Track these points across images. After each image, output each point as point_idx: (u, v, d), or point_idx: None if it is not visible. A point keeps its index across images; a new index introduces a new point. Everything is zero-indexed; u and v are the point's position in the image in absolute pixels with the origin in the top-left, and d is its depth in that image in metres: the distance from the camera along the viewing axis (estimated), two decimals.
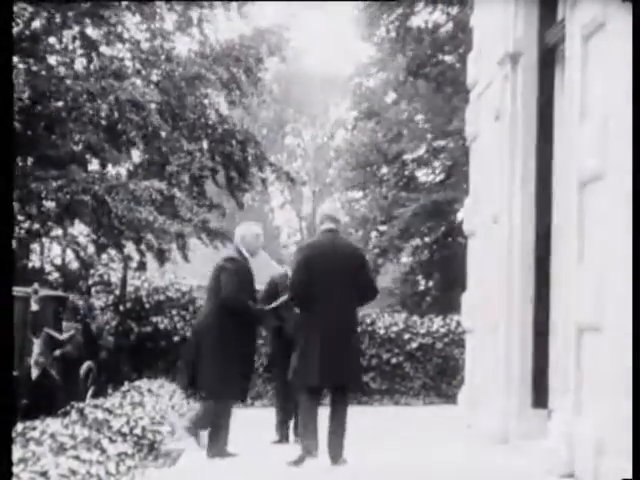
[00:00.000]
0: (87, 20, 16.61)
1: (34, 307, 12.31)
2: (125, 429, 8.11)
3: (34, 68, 16.32)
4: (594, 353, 7.00)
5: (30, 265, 19.25)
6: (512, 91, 9.49)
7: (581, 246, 7.32)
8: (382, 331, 16.36)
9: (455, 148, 24.92)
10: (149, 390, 12.05)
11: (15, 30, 15.69)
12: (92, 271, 16.92)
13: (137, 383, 13.06)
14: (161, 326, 15.60)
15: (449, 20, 24.98)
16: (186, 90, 17.49)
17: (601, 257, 6.93)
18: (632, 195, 6.16)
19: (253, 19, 18.69)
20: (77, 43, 17.23)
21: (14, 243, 16.46)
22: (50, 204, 16.28)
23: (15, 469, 5.54)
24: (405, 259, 28.54)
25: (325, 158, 51.17)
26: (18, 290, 11.95)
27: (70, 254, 19.67)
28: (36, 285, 12.84)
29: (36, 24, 16.57)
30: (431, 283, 27.27)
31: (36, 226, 17.70)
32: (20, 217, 16.62)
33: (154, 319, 15.61)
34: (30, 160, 16.70)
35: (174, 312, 15.73)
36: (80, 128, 16.05)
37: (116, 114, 16.11)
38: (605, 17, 6.96)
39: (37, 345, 12.09)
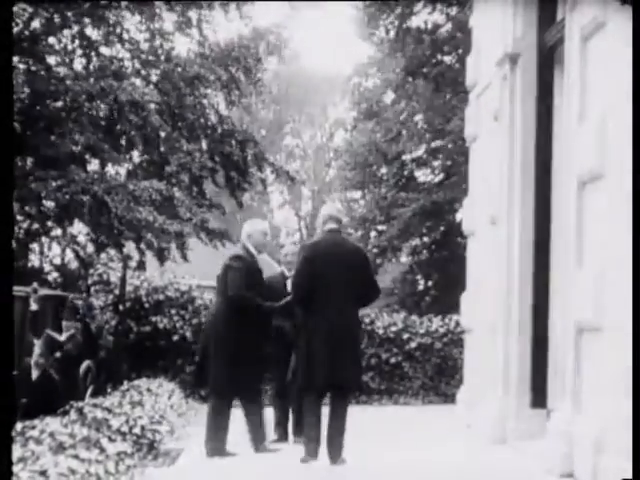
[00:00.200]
0: (86, 20, 16.63)
1: (33, 306, 12.31)
2: (124, 428, 8.11)
3: (33, 68, 16.34)
4: (593, 353, 7.01)
5: (29, 265, 19.26)
6: (511, 91, 9.50)
7: (580, 246, 7.33)
8: (381, 331, 16.36)
9: (454, 148, 24.92)
10: (148, 389, 12.05)
11: (14, 30, 15.70)
12: (91, 271, 16.92)
13: (136, 382, 13.06)
14: (160, 325, 15.60)
15: (448, 20, 24.97)
16: (185, 90, 17.50)
17: (600, 257, 6.94)
18: (632, 195, 6.17)
19: (252, 19, 18.71)
20: (76, 43, 17.24)
21: (14, 243, 16.47)
22: (50, 204, 16.30)
23: (14, 468, 5.55)
24: (404, 259, 28.55)
25: (324, 158, 51.19)
26: (17, 289, 11.96)
27: (69, 254, 19.70)
28: (35, 284, 12.84)
29: (35, 24, 16.57)
30: (430, 283, 27.27)
31: (35, 226, 17.72)
32: (20, 217, 16.63)
33: (153, 318, 15.61)
34: (30, 160, 16.71)
35: (173, 311, 15.72)
36: (79, 128, 16.06)
37: (115, 114, 16.13)
38: (604, 18, 6.97)
39: (37, 346, 12.09)
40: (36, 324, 12.30)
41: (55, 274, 19.75)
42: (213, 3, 18.03)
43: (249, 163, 18.87)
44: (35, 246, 19.67)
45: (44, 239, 19.32)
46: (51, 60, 17.05)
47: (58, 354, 12.55)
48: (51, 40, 17.04)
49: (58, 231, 18.42)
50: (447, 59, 25.36)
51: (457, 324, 15.56)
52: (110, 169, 18.04)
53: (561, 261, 8.08)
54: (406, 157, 27.45)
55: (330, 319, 7.65)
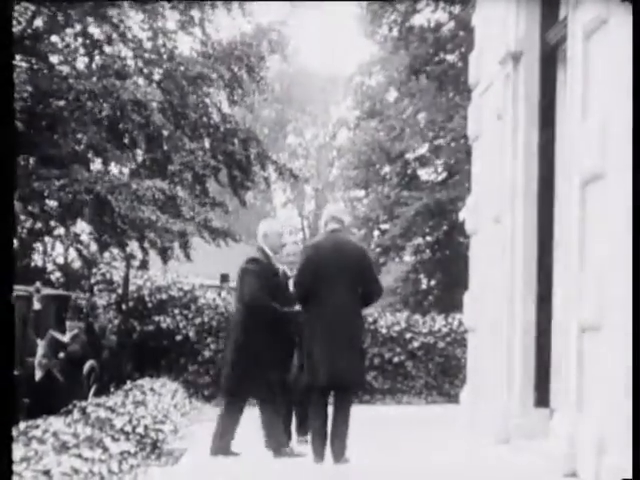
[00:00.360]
0: (89, 19, 16.62)
1: (36, 306, 12.33)
2: (127, 428, 8.11)
3: (36, 67, 16.34)
4: (596, 352, 7.00)
5: (32, 264, 19.27)
6: (514, 90, 9.48)
7: (583, 245, 7.32)
8: (384, 330, 16.37)
9: (457, 147, 24.92)
10: (151, 389, 12.05)
11: (17, 29, 15.70)
12: (94, 270, 16.94)
13: (139, 382, 13.06)
14: (163, 325, 15.61)
15: (451, 19, 24.97)
16: (188, 89, 17.50)
17: (603, 256, 6.93)
18: (632, 195, 6.15)
19: (254, 17, 18.73)
20: (79, 42, 17.23)
21: (16, 242, 16.48)
22: (53, 203, 16.31)
23: (17, 468, 5.55)
24: (407, 258, 28.54)
25: (327, 157, 51.17)
26: (20, 289, 11.97)
27: (72, 253, 19.71)
28: (38, 284, 12.85)
29: (38, 22, 16.57)
30: (433, 282, 27.28)
31: (38, 225, 17.73)
32: (23, 216, 16.64)
33: (156, 318, 15.62)
34: (33, 159, 16.71)
35: (176, 311, 15.73)
36: (82, 127, 16.06)
37: (118, 113, 16.13)
38: (607, 16, 6.96)
39: (41, 346, 12.10)
40: (39, 324, 12.31)
41: (58, 274, 19.76)
42: (216, 2, 18.03)
43: (252, 161, 18.87)
44: (38, 245, 19.67)
45: (47, 238, 19.33)
46: (54, 59, 17.06)
47: (62, 355, 12.56)
48: (54, 39, 17.04)
49: (61, 230, 18.43)
50: (450, 57, 25.36)
51: (460, 323, 15.56)
52: (113, 168, 18.05)
53: (564, 260, 8.07)
54: (409, 156, 27.45)
55: (332, 318, 7.66)
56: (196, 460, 8.18)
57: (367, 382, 15.21)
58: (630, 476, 5.64)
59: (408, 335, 16.44)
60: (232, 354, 8.27)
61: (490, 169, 10.62)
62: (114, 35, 17.13)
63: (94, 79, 16.17)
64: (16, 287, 10.76)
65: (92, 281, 16.72)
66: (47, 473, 5.68)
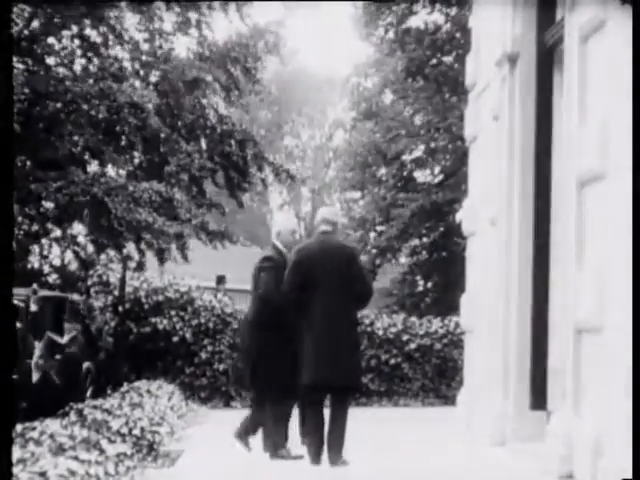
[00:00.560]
0: (86, 21, 16.63)
1: (33, 308, 12.31)
2: (124, 430, 8.12)
3: (33, 69, 16.34)
4: (593, 354, 7.01)
5: (29, 266, 19.26)
6: (510, 92, 9.49)
7: (580, 246, 7.32)
8: (381, 332, 16.37)
9: (454, 149, 24.93)
10: (148, 391, 12.05)
11: (14, 30, 15.70)
12: (91, 272, 16.93)
13: (136, 384, 13.07)
14: (160, 327, 15.61)
15: (447, 21, 24.98)
16: (185, 91, 17.50)
17: (600, 257, 6.93)
18: (632, 195, 6.16)
19: (251, 18, 18.73)
20: (76, 44, 17.24)
21: (13, 244, 16.47)
22: (49, 205, 16.31)
23: (14, 469, 5.55)
24: (404, 260, 28.54)
25: (323, 159, 51.21)
26: (17, 293, 11.95)
27: (69, 255, 19.70)
28: (35, 286, 12.84)
29: (35, 24, 16.57)
30: (430, 284, 27.28)
31: (35, 227, 17.72)
32: (20, 218, 16.63)
33: (153, 320, 15.61)
34: (29, 161, 16.71)
35: (173, 313, 15.73)
36: (79, 130, 16.06)
37: (115, 116, 16.13)
38: (604, 17, 6.96)
39: (38, 348, 12.09)
40: (36, 325, 12.31)
41: (55, 275, 19.74)
42: (213, 4, 18.04)
43: (249, 163, 18.87)
44: (35, 247, 19.66)
45: (44, 240, 19.32)
46: (50, 61, 17.06)
47: (58, 356, 12.55)
48: (51, 40, 17.04)
49: (58, 232, 18.42)
50: (447, 59, 25.37)
51: (457, 325, 15.57)
52: (110, 170, 18.05)
53: (560, 262, 8.07)
54: (405, 157, 27.46)
55: (324, 320, 7.68)
56: (193, 462, 8.18)
57: (364, 384, 15.21)
58: (629, 476, 5.65)
59: (405, 337, 16.45)
60: (247, 352, 8.38)
61: (487, 170, 10.62)
62: (111, 37, 17.14)
63: (91, 81, 16.17)
64: (13, 289, 10.74)
65: (89, 283, 16.71)
66: (43, 475, 5.68)
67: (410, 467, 8.02)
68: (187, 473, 7.65)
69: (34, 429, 7.25)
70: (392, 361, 16.32)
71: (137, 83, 17.24)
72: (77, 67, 17.40)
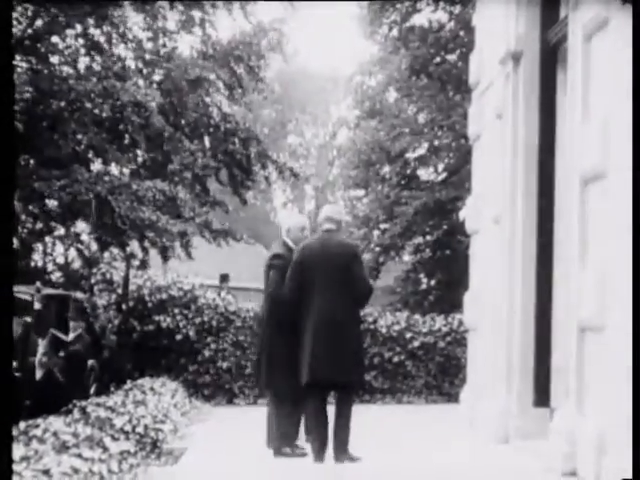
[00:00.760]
0: (90, 20, 16.63)
1: (37, 306, 12.33)
2: (127, 427, 8.12)
3: (36, 68, 16.35)
4: (596, 352, 7.01)
5: (32, 264, 19.28)
6: (514, 90, 9.49)
7: (583, 245, 7.32)
8: (384, 330, 16.36)
9: (457, 147, 24.91)
10: (151, 389, 12.06)
11: (18, 29, 15.72)
12: (94, 270, 16.95)
13: (139, 382, 13.08)
14: (163, 325, 15.61)
15: (451, 19, 24.96)
16: (188, 90, 17.50)
17: (603, 256, 6.93)
18: (632, 194, 6.16)
19: (255, 16, 18.74)
20: (80, 42, 17.24)
21: (17, 242, 16.49)
22: (53, 203, 16.33)
23: (17, 467, 5.55)
24: (407, 258, 28.52)
25: (327, 157, 51.19)
26: (20, 289, 11.98)
27: (72, 253, 19.72)
28: (39, 284, 12.86)
29: (39, 23, 16.58)
30: (433, 282, 27.23)
31: (39, 225, 17.74)
32: (23, 216, 16.65)
33: (156, 318, 15.62)
34: (33, 160, 16.72)
35: (176, 311, 15.73)
36: (82, 128, 16.07)
37: (118, 115, 16.15)
38: (607, 15, 6.96)
39: (42, 345, 12.11)
40: (40, 323, 12.32)
41: (58, 274, 19.76)
42: (217, 3, 18.04)
43: (252, 161, 18.88)
44: (39, 246, 19.69)
45: (47, 238, 19.34)
46: (54, 59, 17.07)
47: (62, 353, 12.57)
48: (54, 39, 17.04)
49: (61, 230, 18.44)
50: (451, 57, 25.34)
51: (460, 323, 15.56)
52: (114, 169, 18.07)
53: (564, 260, 8.07)
54: (409, 155, 27.42)
55: (325, 318, 7.70)
56: (196, 460, 8.18)
57: (367, 382, 15.21)
58: (630, 476, 5.65)
59: (408, 335, 16.43)
60: (259, 349, 8.47)
61: (490, 168, 10.62)
62: (114, 36, 17.15)
63: (94, 80, 16.17)
64: (17, 287, 10.76)
65: (92, 281, 16.72)
66: (47, 472, 5.69)
67: (413, 464, 8.02)
68: (190, 471, 7.66)
69: (37, 427, 7.25)
70: (395, 359, 16.31)
71: (140, 82, 17.24)
72: (81, 66, 17.41)
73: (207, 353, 15.74)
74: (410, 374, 16.35)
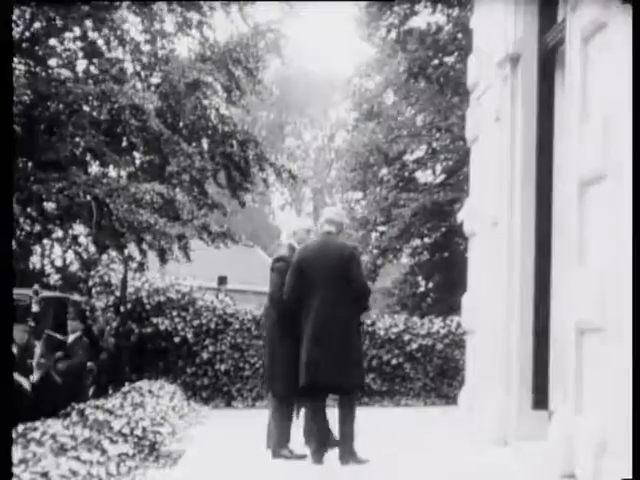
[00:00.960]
0: (88, 23, 16.63)
1: (35, 308, 12.32)
2: (126, 430, 8.13)
3: (34, 70, 16.35)
4: (594, 354, 7.01)
5: (31, 267, 19.27)
6: (512, 92, 9.49)
7: (582, 246, 7.33)
8: (382, 332, 16.37)
9: (455, 149, 24.93)
10: (150, 391, 12.06)
11: (16, 31, 15.71)
12: (92, 272, 16.96)
13: (138, 384, 13.08)
14: (162, 327, 15.62)
15: (449, 21, 24.97)
16: (186, 92, 17.50)
17: (602, 257, 6.93)
18: (632, 195, 6.17)
19: (252, 18, 18.74)
20: (77, 45, 17.24)
21: (15, 245, 16.49)
22: (51, 206, 16.32)
23: (16, 470, 5.55)
24: (405, 260, 28.54)
25: (325, 159, 51.21)
26: (18, 293, 11.97)
27: (70, 255, 19.71)
28: (37, 286, 12.85)
29: (36, 26, 16.57)
30: (431, 284, 27.26)
31: (37, 228, 17.73)
32: (21, 219, 16.64)
33: (154, 320, 15.63)
34: (31, 162, 16.72)
35: (174, 313, 15.74)
36: (80, 131, 16.07)
37: (116, 117, 16.14)
38: (605, 18, 6.96)
39: (39, 347, 12.10)
40: (37, 326, 12.31)
41: (56, 276, 19.75)
42: (214, 4, 18.04)
43: (250, 163, 18.88)
44: (36, 248, 19.67)
45: (45, 241, 19.33)
46: (52, 62, 17.07)
47: (59, 353, 12.55)
48: (52, 42, 17.04)
49: (59, 233, 18.43)
50: (449, 60, 25.36)
51: (458, 325, 15.56)
52: (112, 171, 18.07)
53: (562, 262, 8.08)
54: (407, 157, 27.46)
55: (323, 320, 7.71)
56: (194, 462, 8.18)
57: (365, 384, 15.22)
58: (629, 476, 5.65)
59: (406, 337, 16.45)
60: (264, 351, 8.57)
61: (488, 171, 10.62)
62: (112, 39, 17.14)
63: (92, 83, 16.18)
64: (15, 290, 10.75)
65: (90, 283, 16.73)
66: (45, 475, 5.69)
67: (411, 467, 8.02)
68: (189, 473, 7.66)
69: (36, 429, 7.25)
70: (394, 361, 16.32)
71: (138, 85, 17.24)
72: (79, 69, 17.41)
73: (205, 355, 15.75)
74: (408, 376, 16.37)
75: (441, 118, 25.43)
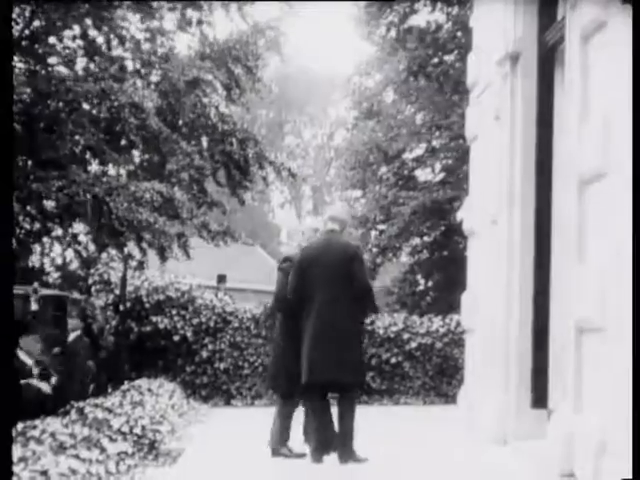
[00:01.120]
0: (88, 21, 16.62)
1: (34, 306, 12.32)
2: (125, 428, 8.13)
3: (34, 68, 16.34)
4: (594, 353, 7.01)
5: (30, 265, 19.26)
6: (512, 91, 9.49)
7: (581, 245, 7.33)
8: (381, 331, 16.37)
9: (455, 147, 24.91)
10: (149, 389, 12.07)
11: (16, 30, 15.70)
12: (92, 271, 16.95)
13: (137, 382, 13.08)
14: (161, 326, 15.62)
15: (449, 20, 24.96)
16: (185, 90, 17.49)
17: (601, 256, 6.93)
18: (632, 194, 6.17)
19: (252, 16, 18.73)
20: (77, 43, 17.23)
21: (14, 243, 16.48)
22: (51, 204, 16.32)
23: (15, 468, 5.55)
24: (405, 258, 28.53)
25: (325, 157, 51.21)
26: (18, 288, 11.96)
27: (70, 254, 19.70)
28: (36, 284, 12.85)
29: (36, 24, 16.56)
30: (430, 283, 27.25)
31: (37, 226, 17.72)
32: (21, 217, 16.64)
33: (154, 318, 15.63)
34: (30, 161, 16.71)
35: (174, 312, 15.75)
36: (80, 129, 16.06)
37: (116, 116, 16.13)
38: (605, 17, 6.96)
39: (37, 345, 12.09)
40: (37, 324, 12.31)
41: (56, 274, 19.75)
42: (214, 3, 18.03)
43: (250, 161, 18.87)
44: (36, 246, 19.66)
45: (45, 239, 19.32)
46: (52, 60, 17.05)
47: (57, 350, 12.55)
48: (52, 40, 17.03)
49: (59, 231, 18.43)
50: (448, 58, 25.35)
51: (458, 324, 15.57)
52: (111, 170, 18.05)
53: (562, 261, 8.08)
54: (406, 156, 27.45)
55: (325, 318, 7.71)
56: (194, 461, 8.18)
57: (365, 382, 15.22)
58: (629, 476, 5.65)
59: (406, 336, 16.45)
60: (269, 350, 8.61)
61: (488, 169, 10.62)
62: (112, 37, 17.13)
63: (92, 81, 16.16)
64: (14, 288, 10.75)
65: (90, 282, 16.72)
66: (45, 473, 5.69)
67: (410, 466, 8.02)
68: (188, 472, 7.66)
69: (35, 427, 7.26)
70: (393, 360, 16.32)
71: (138, 83, 17.22)
72: (78, 67, 17.39)
73: (204, 354, 15.75)
74: (408, 375, 16.37)
75: (441, 116, 25.41)
